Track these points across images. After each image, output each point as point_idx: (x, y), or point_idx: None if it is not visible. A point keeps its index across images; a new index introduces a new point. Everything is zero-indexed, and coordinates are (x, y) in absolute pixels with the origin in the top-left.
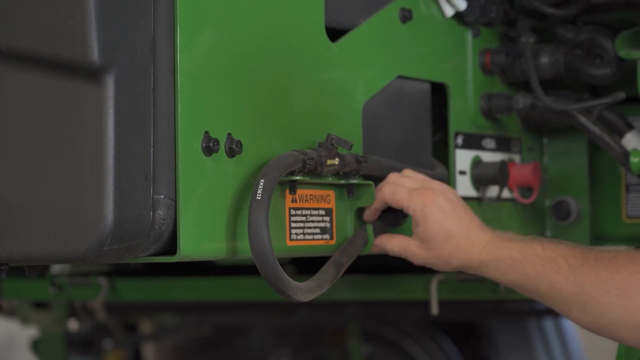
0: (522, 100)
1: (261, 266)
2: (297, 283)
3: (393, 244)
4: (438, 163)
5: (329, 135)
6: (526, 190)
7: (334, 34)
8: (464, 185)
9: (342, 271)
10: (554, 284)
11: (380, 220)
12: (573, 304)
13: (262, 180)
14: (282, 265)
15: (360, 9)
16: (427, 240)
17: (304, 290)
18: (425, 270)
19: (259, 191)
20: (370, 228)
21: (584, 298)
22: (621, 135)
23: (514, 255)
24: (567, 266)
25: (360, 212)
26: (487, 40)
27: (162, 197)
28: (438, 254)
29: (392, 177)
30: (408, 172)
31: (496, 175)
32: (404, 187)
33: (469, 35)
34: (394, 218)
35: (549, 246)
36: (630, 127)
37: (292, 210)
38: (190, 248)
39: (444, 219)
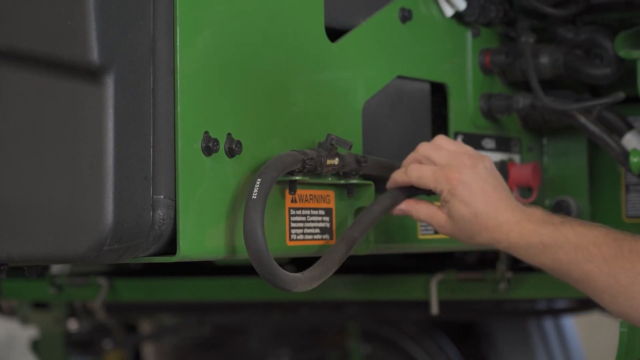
0: (521, 100)
1: (256, 264)
2: (296, 275)
3: (420, 210)
4: None
5: (328, 135)
6: (526, 190)
7: (334, 34)
8: None
9: (354, 246)
10: (586, 272)
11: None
12: (605, 293)
13: (259, 180)
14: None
15: (360, 9)
16: (454, 218)
17: (305, 281)
18: (425, 270)
19: (255, 190)
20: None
21: (617, 289)
22: (621, 135)
23: (545, 241)
24: (601, 256)
25: (360, 212)
26: (486, 40)
27: (162, 197)
28: (464, 230)
29: (421, 148)
30: (440, 139)
31: None
32: (429, 167)
33: (468, 35)
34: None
35: (580, 231)
36: (630, 127)
37: (292, 210)
38: (190, 248)
39: (470, 198)
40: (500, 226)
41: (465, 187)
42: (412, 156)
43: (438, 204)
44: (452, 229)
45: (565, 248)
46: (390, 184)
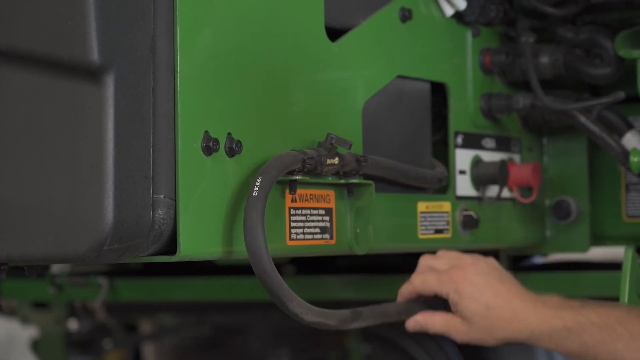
0: (522, 100)
1: (254, 263)
2: (292, 292)
3: (435, 321)
4: (438, 163)
5: (328, 134)
6: (526, 189)
7: (334, 33)
8: (464, 185)
9: (357, 322)
10: (614, 352)
11: (422, 301)
12: None
13: (260, 178)
14: (282, 265)
15: (360, 8)
16: (468, 317)
17: (301, 306)
18: None
19: (256, 188)
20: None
21: None
22: (621, 134)
23: (569, 325)
24: (628, 333)
25: (360, 211)
26: (486, 40)
27: (162, 196)
28: (482, 328)
29: (423, 260)
30: (441, 251)
31: (496, 175)
32: (432, 273)
33: (468, 35)
34: (437, 302)
35: (603, 312)
36: (630, 126)
37: (292, 209)
38: (190, 248)
39: (479, 294)
40: (516, 314)
41: (470, 284)
42: (415, 271)
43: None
44: (470, 331)
45: (590, 330)
46: (399, 298)
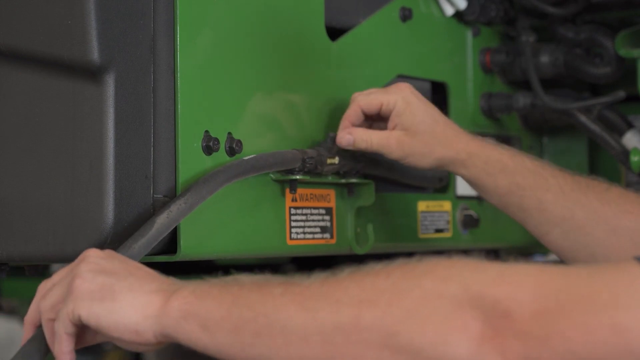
0: (522, 100)
1: None
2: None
3: (372, 136)
4: None
5: (328, 134)
6: None
7: (334, 33)
8: (464, 184)
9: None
10: (542, 201)
11: None
12: (557, 226)
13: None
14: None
15: (360, 8)
16: (412, 127)
17: None
18: None
19: (248, 157)
20: None
21: (571, 224)
22: (621, 134)
23: (505, 160)
24: (559, 187)
25: (360, 211)
26: (487, 39)
27: (162, 196)
28: (424, 140)
29: (357, 93)
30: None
31: None
32: (376, 90)
33: (469, 34)
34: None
35: (538, 163)
36: (630, 125)
37: (292, 209)
38: (190, 247)
39: (426, 107)
40: (459, 134)
41: (417, 97)
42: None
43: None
44: (412, 143)
45: (523, 173)
46: (343, 123)
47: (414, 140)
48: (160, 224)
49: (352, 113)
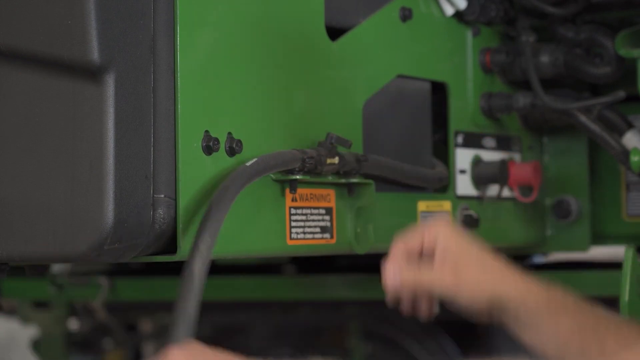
0: (522, 99)
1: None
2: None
3: (424, 275)
4: (438, 162)
5: (328, 134)
6: (526, 189)
7: (334, 33)
8: (464, 184)
9: None
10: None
11: None
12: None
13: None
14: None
15: (360, 8)
16: (458, 262)
17: None
18: None
19: (251, 162)
20: None
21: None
22: (621, 134)
23: (567, 301)
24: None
25: (360, 211)
26: (487, 39)
27: (162, 196)
28: (470, 277)
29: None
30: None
31: (496, 174)
32: (412, 230)
33: (469, 34)
34: None
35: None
36: (630, 125)
37: (292, 209)
38: (190, 247)
39: (467, 241)
40: (503, 272)
41: (457, 232)
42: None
43: None
44: (457, 283)
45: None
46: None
47: (459, 278)
48: (199, 270)
49: (397, 252)
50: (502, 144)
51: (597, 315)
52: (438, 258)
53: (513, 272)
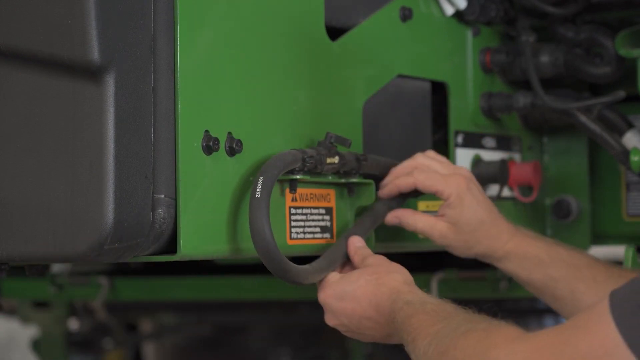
0: (522, 99)
1: (267, 262)
2: (305, 267)
3: (418, 220)
4: None
5: (328, 133)
6: (526, 189)
7: (334, 32)
8: None
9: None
10: (574, 291)
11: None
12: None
13: (261, 178)
14: None
15: (360, 8)
16: (458, 224)
17: (314, 272)
18: (426, 269)
19: (259, 188)
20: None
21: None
22: (621, 133)
23: (541, 255)
24: (592, 277)
25: (360, 210)
26: (487, 39)
27: (162, 196)
28: (466, 238)
29: (420, 159)
30: (432, 153)
31: (496, 174)
32: (437, 172)
33: (469, 34)
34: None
35: (573, 253)
36: (630, 125)
37: (292, 209)
38: (190, 247)
39: (477, 206)
40: (500, 234)
41: (472, 195)
42: (408, 164)
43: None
44: (453, 237)
45: (557, 265)
46: (391, 187)
47: (456, 236)
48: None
49: (404, 184)
50: (502, 143)
51: (571, 266)
52: (440, 210)
53: (499, 236)
